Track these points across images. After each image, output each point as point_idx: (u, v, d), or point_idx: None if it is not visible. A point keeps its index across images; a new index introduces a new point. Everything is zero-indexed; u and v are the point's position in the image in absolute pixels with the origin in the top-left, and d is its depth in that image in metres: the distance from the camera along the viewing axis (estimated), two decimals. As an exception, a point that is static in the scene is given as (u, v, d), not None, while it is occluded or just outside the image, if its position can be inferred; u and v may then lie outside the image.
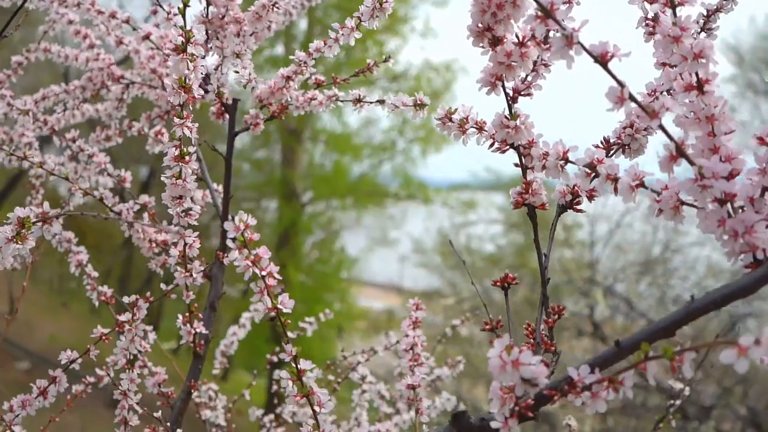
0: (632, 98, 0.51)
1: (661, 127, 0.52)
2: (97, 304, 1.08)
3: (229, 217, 0.61)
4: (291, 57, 0.93)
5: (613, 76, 0.52)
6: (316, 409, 0.65)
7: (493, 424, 0.55)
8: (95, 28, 1.26)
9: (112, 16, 1.11)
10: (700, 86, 0.54)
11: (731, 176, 0.54)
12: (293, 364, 0.65)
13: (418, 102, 0.85)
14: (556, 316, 0.63)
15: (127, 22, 1.11)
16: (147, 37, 1.08)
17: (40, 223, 0.68)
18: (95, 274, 1.12)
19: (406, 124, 12.68)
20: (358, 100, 0.97)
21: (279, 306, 0.64)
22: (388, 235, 12.54)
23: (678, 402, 1.12)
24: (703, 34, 0.72)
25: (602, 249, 7.50)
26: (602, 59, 0.52)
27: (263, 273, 0.63)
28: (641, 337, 0.51)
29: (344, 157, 12.49)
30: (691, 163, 0.52)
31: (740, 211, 0.53)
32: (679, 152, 0.52)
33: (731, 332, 5.94)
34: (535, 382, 0.51)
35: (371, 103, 0.96)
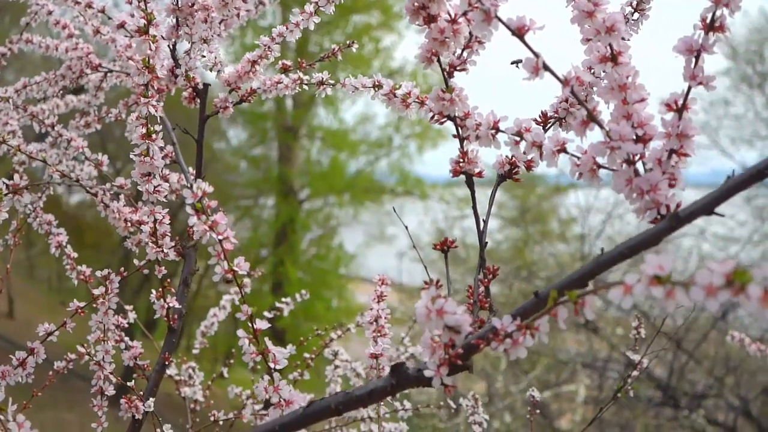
0: (546, 67, 0.56)
1: (573, 94, 0.57)
2: (76, 282, 1.13)
3: (188, 185, 0.66)
4: (256, 42, 0.98)
5: (530, 48, 0.56)
6: (271, 365, 0.69)
7: (426, 373, 0.60)
8: (75, 19, 1.30)
9: (89, 6, 1.16)
10: (614, 57, 0.59)
11: (643, 141, 0.58)
12: (249, 324, 0.70)
13: (377, 83, 0.90)
14: (491, 276, 0.68)
15: (102, 11, 1.16)
16: (122, 25, 1.13)
17: (11, 195, 0.72)
18: (75, 254, 1.16)
19: (402, 121, 12.73)
20: (321, 83, 1.02)
21: (235, 268, 0.68)
22: (386, 232, 12.60)
23: (636, 373, 1.17)
24: (636, 14, 0.77)
25: (595, 241, 7.56)
26: (519, 32, 0.56)
27: (220, 237, 0.67)
28: (555, 287, 0.56)
29: (341, 153, 12.54)
30: (602, 127, 0.57)
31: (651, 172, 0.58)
32: (590, 117, 0.57)
33: (722, 320, 6.01)
34: (458, 330, 0.56)
35: (333, 84, 1.01)
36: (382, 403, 1.20)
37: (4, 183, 0.72)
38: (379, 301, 1.01)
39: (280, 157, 12.04)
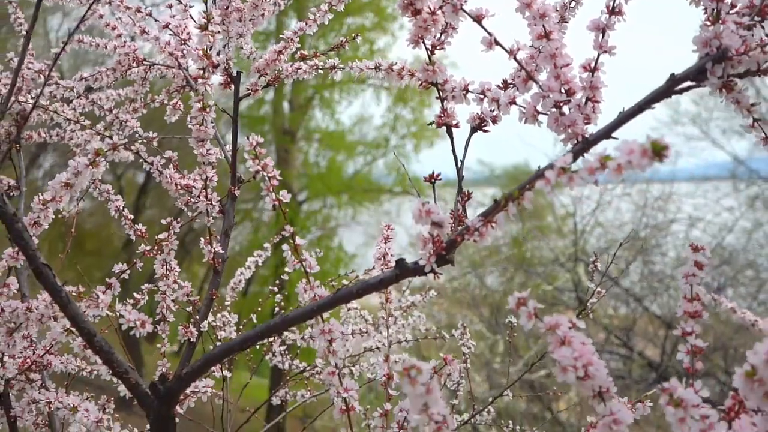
0: (497, 42, 0.81)
1: (516, 60, 0.81)
2: (134, 238, 1.37)
3: (242, 139, 0.90)
4: (280, 36, 1.22)
5: (485, 29, 0.81)
6: (308, 270, 0.94)
7: (421, 261, 0.85)
8: (119, 20, 1.55)
9: (138, 10, 1.40)
10: (546, 35, 0.83)
11: (569, 93, 0.83)
12: (291, 240, 0.94)
13: (377, 64, 1.14)
14: (467, 198, 0.93)
15: (150, 15, 1.40)
16: (166, 26, 1.37)
17: (111, 150, 0.96)
18: (131, 216, 1.40)
19: (398, 121, 12.99)
20: (333, 67, 1.26)
21: (280, 197, 0.93)
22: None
23: (594, 300, 1.41)
24: (573, 3, 1.01)
25: (588, 229, 7.84)
26: (478, 19, 0.81)
27: (269, 175, 0.92)
28: (506, 192, 0.80)
29: (338, 155, 12.77)
30: (537, 83, 0.82)
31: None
32: (528, 76, 0.82)
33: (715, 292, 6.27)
34: (441, 224, 0.81)
35: (342, 68, 1.25)
36: (390, 337, 1.45)
37: (107, 143, 0.96)
38: (385, 242, 1.25)
39: (279, 160, 12.26)
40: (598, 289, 1.41)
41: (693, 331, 0.76)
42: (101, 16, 1.51)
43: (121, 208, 1.42)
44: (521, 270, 8.04)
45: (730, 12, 0.76)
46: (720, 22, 0.74)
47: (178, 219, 1.22)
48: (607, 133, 0.77)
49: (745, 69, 0.75)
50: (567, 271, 6.67)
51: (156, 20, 1.41)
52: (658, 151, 0.57)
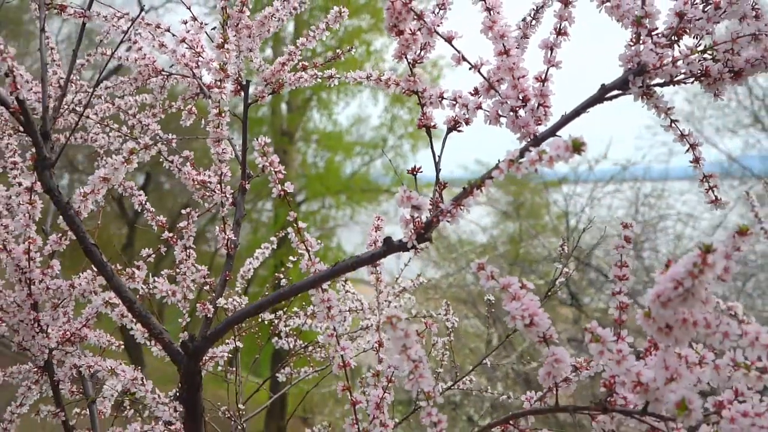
0: (464, 59, 0.99)
1: (480, 73, 1.00)
2: (156, 229, 1.55)
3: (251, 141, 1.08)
4: (284, 49, 1.41)
5: (454, 48, 0.99)
6: (309, 248, 1.12)
7: (403, 239, 1.03)
8: (138, 34, 1.72)
9: (157, 26, 1.58)
10: (506, 51, 1.01)
11: (524, 100, 1.01)
12: (295, 224, 1.12)
13: (369, 74, 1.32)
14: (443, 187, 1.11)
15: (168, 30, 1.58)
16: (183, 40, 1.55)
17: (143, 150, 1.14)
18: (153, 209, 1.58)
19: (395, 121, 13.16)
20: (331, 77, 1.44)
21: (285, 188, 1.11)
22: (383, 231, 12.97)
23: (563, 280, 1.59)
24: (533, 21, 1.19)
25: (582, 227, 8.03)
26: (449, 39, 0.99)
27: (275, 170, 1.10)
28: (472, 180, 0.98)
29: (336, 155, 12.94)
30: (497, 91, 1.00)
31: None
32: (490, 86, 1.00)
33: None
34: (419, 208, 0.98)
35: (339, 77, 1.43)
36: (383, 313, 1.62)
37: (137, 141, 1.13)
38: (376, 231, 1.43)
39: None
40: (566, 270, 1.59)
41: (621, 290, 0.94)
42: (124, 32, 1.69)
43: (143, 202, 1.60)
44: (516, 266, 8.24)
45: (653, 33, 0.94)
46: (640, 42, 0.92)
47: (196, 209, 1.40)
48: (552, 132, 0.95)
49: (663, 80, 0.93)
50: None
51: (174, 35, 1.59)
52: (577, 146, 0.75)
